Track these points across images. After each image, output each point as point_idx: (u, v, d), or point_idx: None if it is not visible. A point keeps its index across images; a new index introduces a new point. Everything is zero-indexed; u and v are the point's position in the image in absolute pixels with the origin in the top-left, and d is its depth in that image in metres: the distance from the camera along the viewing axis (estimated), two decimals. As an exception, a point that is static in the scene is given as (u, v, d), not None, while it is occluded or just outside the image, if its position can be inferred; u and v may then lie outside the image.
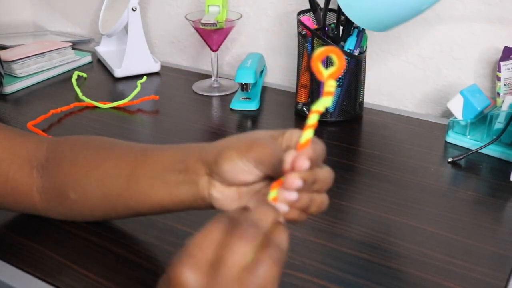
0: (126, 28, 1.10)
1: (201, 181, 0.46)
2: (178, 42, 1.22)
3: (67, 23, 1.41)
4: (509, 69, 0.82)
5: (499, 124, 0.75)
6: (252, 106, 0.94)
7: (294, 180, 0.37)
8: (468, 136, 0.79)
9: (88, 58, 1.18)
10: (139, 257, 0.56)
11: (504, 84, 0.82)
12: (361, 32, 0.85)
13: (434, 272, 0.54)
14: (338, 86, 0.86)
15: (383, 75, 1.00)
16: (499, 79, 0.82)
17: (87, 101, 0.95)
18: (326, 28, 0.85)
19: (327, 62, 0.81)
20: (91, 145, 0.56)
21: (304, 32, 0.86)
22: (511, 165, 0.73)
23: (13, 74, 1.05)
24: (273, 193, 0.38)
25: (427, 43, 0.93)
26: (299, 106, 0.91)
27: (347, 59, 0.84)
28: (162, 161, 0.49)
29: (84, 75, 1.09)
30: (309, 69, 0.87)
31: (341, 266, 0.55)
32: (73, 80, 1.02)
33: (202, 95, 1.01)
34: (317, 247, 0.58)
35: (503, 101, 0.79)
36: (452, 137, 0.81)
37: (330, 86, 0.37)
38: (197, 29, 0.99)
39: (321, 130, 0.86)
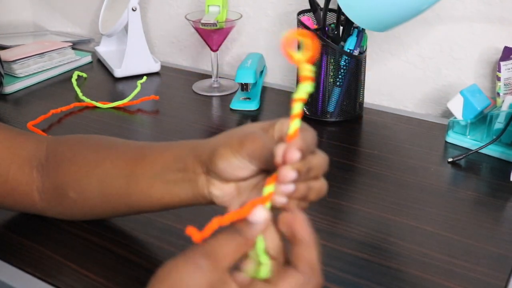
0: (126, 28, 1.10)
1: (200, 179, 0.46)
2: (178, 42, 1.23)
3: (67, 23, 1.41)
4: (509, 69, 0.82)
5: (499, 124, 0.75)
6: (252, 106, 0.94)
7: (288, 172, 0.37)
8: (468, 136, 0.79)
9: (88, 58, 1.18)
10: (139, 257, 0.56)
11: (504, 84, 0.82)
12: (361, 32, 0.85)
13: (434, 272, 0.54)
14: (338, 86, 0.86)
15: (383, 75, 1.00)
16: (499, 79, 0.82)
17: (87, 101, 0.95)
18: (326, 28, 0.85)
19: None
20: (90, 144, 0.56)
21: (304, 32, 0.86)
22: (511, 165, 0.73)
23: (13, 74, 1.05)
24: (268, 188, 0.37)
25: (427, 43, 0.93)
26: (299, 106, 0.91)
27: (347, 59, 0.84)
28: (160, 161, 0.49)
29: (84, 75, 1.09)
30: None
31: (341, 266, 0.55)
32: (73, 80, 1.02)
33: (202, 95, 1.01)
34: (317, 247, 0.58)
35: (503, 101, 0.79)
36: (452, 137, 0.81)
37: (307, 70, 0.35)
38: (197, 29, 0.99)
39: (321, 130, 0.86)
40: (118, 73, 1.08)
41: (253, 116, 0.92)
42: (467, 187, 0.70)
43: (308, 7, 0.87)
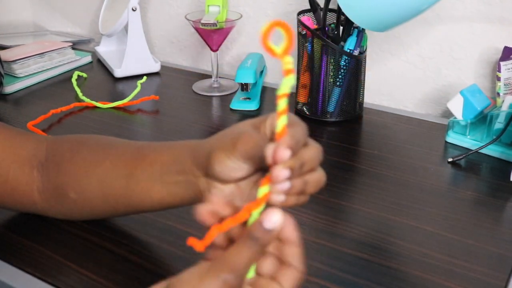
0: (126, 28, 1.10)
1: (200, 182, 0.46)
2: (178, 42, 1.23)
3: (67, 23, 1.41)
4: (509, 69, 0.82)
5: (499, 124, 0.75)
6: (252, 106, 0.94)
7: (280, 172, 0.36)
8: (468, 136, 0.79)
9: (88, 58, 1.18)
10: (139, 257, 0.56)
11: (504, 84, 0.82)
12: (361, 32, 0.85)
13: (434, 272, 0.54)
14: (338, 86, 0.86)
15: (383, 75, 1.00)
16: (499, 79, 0.82)
17: (87, 101, 0.95)
18: (326, 28, 0.85)
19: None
20: (89, 145, 0.56)
21: (304, 32, 0.86)
22: (511, 165, 0.73)
23: (13, 74, 1.05)
24: (263, 189, 0.37)
25: (427, 43, 0.93)
26: (299, 106, 0.91)
27: (347, 59, 0.84)
28: (159, 162, 0.50)
29: (84, 75, 1.09)
30: (309, 69, 0.87)
31: (341, 266, 0.55)
32: (73, 80, 1.02)
33: (202, 95, 1.01)
34: (317, 247, 0.58)
35: (503, 101, 0.79)
36: (452, 137, 0.81)
37: (287, 63, 0.35)
38: (197, 29, 0.99)
39: (321, 130, 0.86)
40: (118, 73, 1.08)
41: (253, 116, 0.92)
42: (467, 187, 0.70)
43: (308, 7, 0.87)
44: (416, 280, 0.54)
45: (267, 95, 1.01)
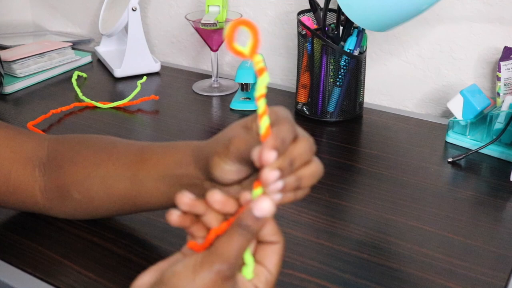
0: (126, 28, 1.10)
1: (205, 184, 0.46)
2: (178, 42, 1.23)
3: (67, 23, 1.41)
4: (509, 69, 0.82)
5: (499, 124, 0.75)
6: (252, 106, 0.94)
7: (269, 174, 0.36)
8: (468, 136, 0.79)
9: (88, 58, 1.18)
10: (139, 257, 0.56)
11: (504, 84, 0.82)
12: (361, 32, 0.85)
13: (434, 272, 0.54)
14: (338, 86, 0.86)
15: (383, 75, 1.00)
16: (499, 79, 0.82)
17: (87, 101, 0.95)
18: (326, 28, 0.85)
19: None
20: (90, 145, 0.56)
21: (304, 32, 0.86)
22: (511, 165, 0.73)
23: (13, 74, 1.05)
24: (257, 191, 0.37)
25: (427, 43, 0.93)
26: (299, 106, 0.91)
27: (347, 59, 0.84)
28: (162, 165, 0.50)
29: (84, 75, 1.09)
30: (309, 69, 0.87)
31: (341, 266, 0.55)
32: (73, 80, 1.02)
33: (202, 95, 1.01)
34: (317, 247, 0.58)
35: (503, 101, 0.79)
36: (452, 137, 0.81)
37: (258, 62, 0.34)
38: (197, 29, 0.99)
39: (321, 130, 0.86)
40: (118, 73, 1.08)
41: (253, 116, 0.92)
42: (467, 187, 0.70)
43: (308, 7, 0.87)
44: (416, 280, 0.54)
45: (267, 95, 1.00)
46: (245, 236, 0.35)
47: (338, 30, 0.87)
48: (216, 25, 0.96)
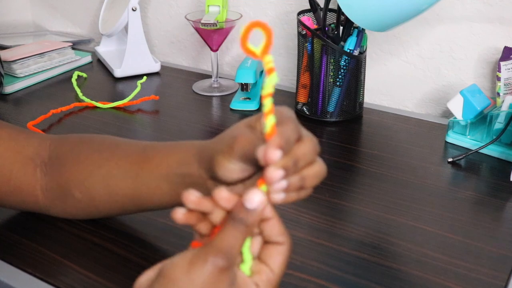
0: (126, 28, 1.10)
1: (208, 183, 0.46)
2: (178, 42, 1.23)
3: (67, 23, 1.41)
4: (509, 69, 0.82)
5: (499, 124, 0.75)
6: (252, 106, 0.94)
7: (273, 173, 0.36)
8: (468, 136, 0.79)
9: (88, 58, 1.18)
10: (139, 257, 0.56)
11: (504, 84, 0.82)
12: (361, 32, 0.85)
13: (434, 272, 0.54)
14: (338, 86, 0.86)
15: (383, 75, 1.00)
16: (499, 79, 0.82)
17: (87, 101, 0.95)
18: (326, 28, 0.85)
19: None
20: (92, 144, 0.56)
21: (304, 32, 0.86)
22: (511, 165, 0.73)
23: (13, 74, 1.05)
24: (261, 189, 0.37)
25: (427, 43, 0.93)
26: (299, 106, 0.91)
27: (347, 59, 0.84)
28: (165, 164, 0.50)
29: (84, 75, 1.09)
30: (309, 69, 0.87)
31: (341, 266, 0.55)
32: (73, 80, 1.02)
33: (202, 95, 1.01)
34: (317, 247, 0.58)
35: (503, 101, 0.79)
36: (452, 137, 0.81)
37: (268, 62, 0.35)
38: (197, 29, 0.99)
39: (321, 130, 0.86)
40: (118, 73, 1.08)
41: (253, 116, 0.92)
42: (467, 187, 0.70)
43: (308, 7, 0.87)
44: (416, 280, 0.54)
45: (267, 95, 1.00)
46: (239, 228, 0.36)
47: (338, 30, 0.87)
48: (216, 25, 0.96)
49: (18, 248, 0.58)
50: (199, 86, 1.04)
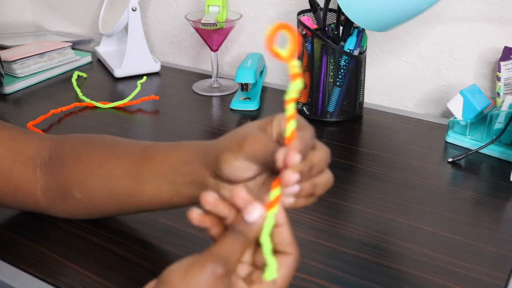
0: (126, 28, 1.10)
1: (209, 182, 0.46)
2: (178, 42, 1.23)
3: (67, 23, 1.41)
4: (509, 69, 0.82)
5: (499, 124, 0.75)
6: (252, 106, 0.94)
7: (290, 176, 0.37)
8: (468, 136, 0.79)
9: (88, 58, 1.18)
10: (139, 257, 0.56)
11: (504, 84, 0.82)
12: (361, 32, 0.85)
13: (434, 272, 0.54)
14: (338, 86, 0.86)
15: (383, 75, 1.00)
16: (499, 79, 0.82)
17: (87, 101, 0.95)
18: (326, 28, 0.86)
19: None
20: (93, 144, 0.56)
21: (304, 32, 0.86)
22: (511, 165, 0.73)
23: (13, 74, 1.05)
24: (275, 192, 0.38)
25: (427, 43, 0.93)
26: (299, 106, 0.91)
27: (347, 59, 0.84)
28: (166, 163, 0.50)
29: (84, 75, 1.09)
30: (309, 69, 0.87)
31: (341, 266, 0.55)
32: (73, 80, 1.02)
33: (202, 95, 1.01)
34: (317, 247, 0.58)
35: (503, 101, 0.79)
36: (452, 137, 0.81)
37: (294, 67, 0.34)
38: (197, 29, 0.99)
39: (321, 130, 0.86)
40: (118, 73, 1.08)
41: (253, 116, 0.92)
42: (467, 187, 0.70)
43: (308, 7, 0.87)
44: (416, 280, 0.54)
45: (267, 95, 1.01)
46: (238, 239, 0.37)
47: (338, 30, 0.87)
48: (216, 25, 0.96)
49: (18, 248, 0.58)
50: (199, 86, 1.04)
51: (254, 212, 0.36)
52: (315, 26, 0.88)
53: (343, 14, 0.84)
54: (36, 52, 1.07)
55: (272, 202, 0.38)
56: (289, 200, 0.39)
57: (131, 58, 1.08)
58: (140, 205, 0.53)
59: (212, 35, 0.98)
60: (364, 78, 0.90)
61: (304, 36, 0.86)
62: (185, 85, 1.05)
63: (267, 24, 1.08)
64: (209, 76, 1.07)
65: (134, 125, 0.91)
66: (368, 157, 0.78)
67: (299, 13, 0.88)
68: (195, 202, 0.49)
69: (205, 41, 1.00)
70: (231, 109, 0.94)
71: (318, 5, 0.86)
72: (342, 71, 0.85)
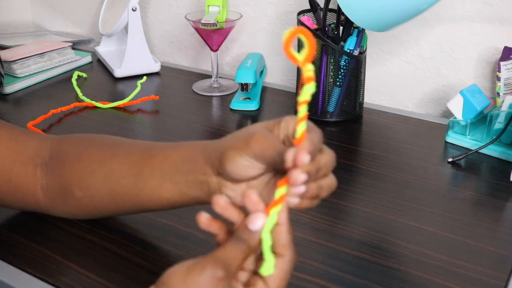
0: (126, 28, 1.10)
1: (211, 181, 0.46)
2: (178, 42, 1.23)
3: (67, 23, 1.41)
4: (509, 69, 0.82)
5: (499, 124, 0.75)
6: (252, 106, 0.94)
7: (298, 176, 0.38)
8: (468, 136, 0.79)
9: (88, 58, 1.18)
10: (139, 257, 0.56)
11: (504, 84, 0.82)
12: (361, 32, 0.85)
13: (434, 272, 0.54)
14: (338, 86, 0.86)
15: (383, 75, 1.00)
16: (499, 79, 0.82)
17: (87, 101, 0.95)
18: (326, 28, 0.86)
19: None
20: (94, 143, 0.56)
21: (304, 32, 0.86)
22: (511, 165, 0.73)
23: (13, 74, 1.05)
24: (280, 190, 0.38)
25: (427, 43, 0.93)
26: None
27: (347, 59, 0.84)
28: (168, 161, 0.50)
29: (84, 75, 1.09)
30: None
31: (341, 266, 0.55)
32: (73, 80, 1.02)
33: (202, 95, 1.01)
34: (317, 247, 0.58)
35: (503, 101, 0.79)
36: (452, 137, 0.81)
37: (309, 70, 0.36)
38: (197, 29, 0.99)
39: (321, 130, 0.86)
40: (118, 73, 1.08)
41: (253, 116, 0.92)
42: (467, 187, 0.70)
43: (308, 7, 0.87)
44: (416, 280, 0.54)
45: (267, 95, 1.01)
46: (240, 246, 0.37)
47: (338, 30, 0.87)
48: (216, 25, 0.96)
49: (18, 248, 0.58)
50: (199, 86, 1.04)
51: (257, 221, 0.37)
52: (315, 26, 0.88)
53: (343, 14, 0.84)
54: (36, 52, 1.07)
55: (277, 201, 0.38)
56: (294, 201, 0.39)
57: (131, 58, 1.08)
58: (140, 204, 0.53)
59: (212, 35, 0.98)
60: (364, 78, 0.90)
61: (304, 36, 0.86)
62: (185, 85, 1.05)
63: (267, 24, 1.08)
64: (209, 76, 1.07)
65: (134, 125, 0.91)
66: (368, 157, 0.78)
67: (299, 13, 0.88)
68: (196, 202, 0.49)
69: (205, 41, 1.00)
70: (231, 109, 0.94)
71: (318, 5, 0.86)
72: (342, 71, 0.85)
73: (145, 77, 1.05)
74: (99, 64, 1.18)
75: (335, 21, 0.87)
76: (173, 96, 1.00)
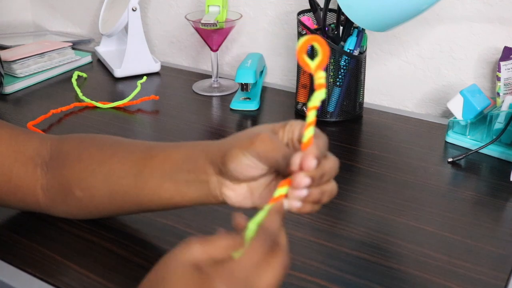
0: (126, 28, 1.10)
1: (212, 180, 0.46)
2: (178, 42, 1.23)
3: (67, 23, 1.41)
4: (509, 69, 0.82)
5: (499, 124, 0.75)
6: (252, 106, 0.94)
7: (302, 179, 0.38)
8: (468, 136, 0.79)
9: (88, 58, 1.18)
10: (139, 257, 0.56)
11: (504, 84, 0.82)
12: (361, 32, 0.85)
13: (434, 272, 0.54)
14: (338, 86, 0.86)
15: (383, 75, 1.00)
16: (499, 79, 0.82)
17: (87, 101, 0.95)
18: (326, 28, 0.86)
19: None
20: (95, 143, 0.56)
21: (304, 32, 0.86)
22: (511, 165, 0.73)
23: (13, 74, 1.05)
24: (280, 190, 0.39)
25: (427, 43, 0.93)
26: (299, 106, 0.91)
27: (347, 59, 0.84)
28: (169, 161, 0.50)
29: (84, 75, 1.09)
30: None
31: (341, 266, 0.55)
32: (73, 80, 1.02)
33: (202, 95, 1.01)
34: (317, 247, 0.58)
35: (503, 101, 0.79)
36: (452, 137, 0.81)
37: (320, 78, 0.37)
38: (197, 29, 0.99)
39: (321, 130, 0.86)
40: (118, 73, 1.08)
41: (253, 116, 0.92)
42: (467, 187, 0.70)
43: (308, 7, 0.87)
44: (416, 280, 0.54)
45: (267, 95, 1.01)
46: (228, 237, 0.37)
47: (338, 30, 0.87)
48: (216, 25, 0.96)
49: (18, 248, 0.58)
50: (199, 86, 1.04)
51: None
52: (315, 26, 0.88)
53: (343, 14, 0.84)
54: (36, 52, 1.07)
55: (275, 199, 0.39)
56: (297, 204, 0.40)
57: (131, 58, 1.08)
58: (141, 204, 0.53)
59: (212, 35, 0.98)
60: (364, 78, 0.90)
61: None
62: (185, 85, 1.05)
63: (267, 24, 1.08)
64: (209, 76, 1.07)
65: (134, 125, 0.91)
66: (368, 157, 0.78)
67: (299, 13, 0.88)
68: (196, 202, 0.49)
69: (205, 41, 1.00)
70: (231, 109, 0.94)
71: (318, 5, 0.86)
72: (342, 71, 0.85)
73: (145, 77, 1.05)
74: (99, 64, 1.18)
75: (335, 21, 0.87)
76: (173, 96, 1.00)
